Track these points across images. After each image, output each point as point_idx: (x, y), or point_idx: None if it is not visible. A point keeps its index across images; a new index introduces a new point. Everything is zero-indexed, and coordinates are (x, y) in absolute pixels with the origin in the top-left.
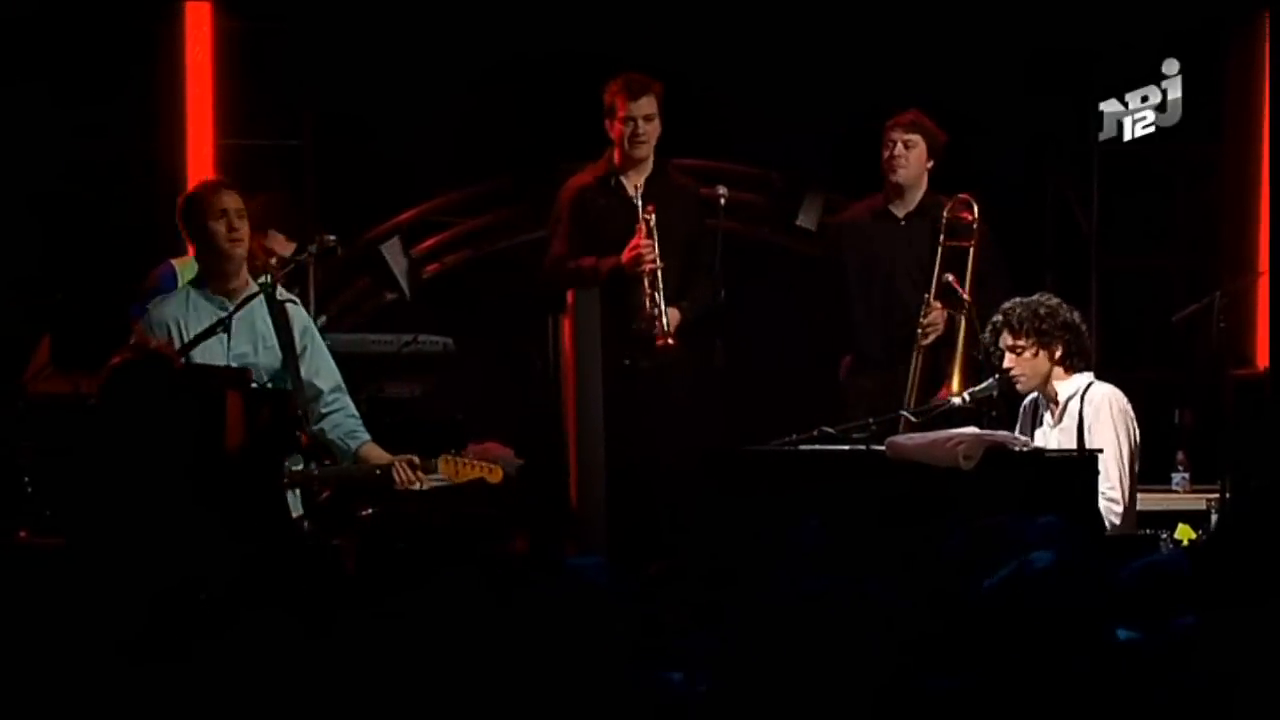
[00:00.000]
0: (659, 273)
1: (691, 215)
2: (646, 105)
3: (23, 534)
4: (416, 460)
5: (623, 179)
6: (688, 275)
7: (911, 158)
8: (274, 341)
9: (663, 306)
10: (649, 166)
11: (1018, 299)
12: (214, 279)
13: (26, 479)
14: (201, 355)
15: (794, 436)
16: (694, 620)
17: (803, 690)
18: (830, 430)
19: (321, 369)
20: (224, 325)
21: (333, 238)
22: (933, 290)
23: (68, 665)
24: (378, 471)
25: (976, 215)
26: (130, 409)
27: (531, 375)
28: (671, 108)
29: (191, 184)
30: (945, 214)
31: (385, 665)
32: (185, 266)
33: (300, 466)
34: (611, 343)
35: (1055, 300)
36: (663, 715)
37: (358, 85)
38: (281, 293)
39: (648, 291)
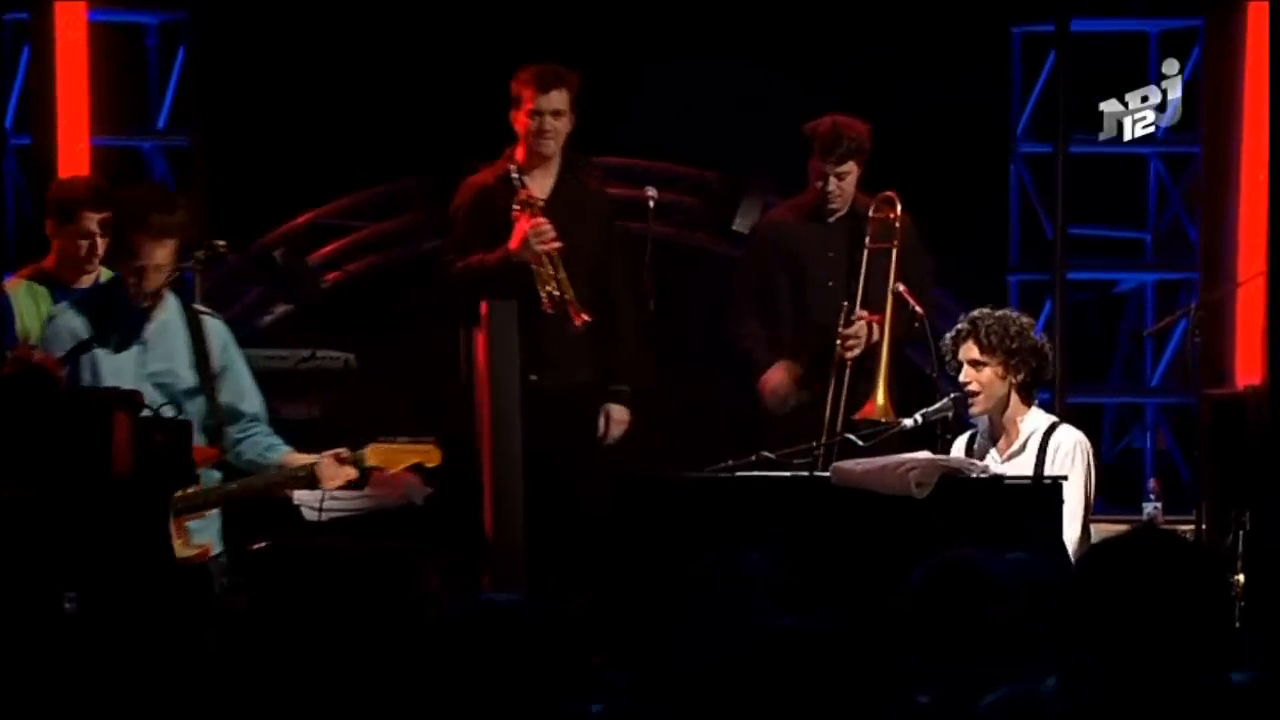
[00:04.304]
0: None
1: (602, 227)
2: (557, 99)
3: None
4: (345, 453)
5: (526, 178)
6: (605, 311)
7: (846, 186)
8: (191, 359)
9: (568, 288)
10: (555, 166)
11: (987, 309)
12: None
13: None
14: (112, 375)
15: (730, 462)
16: (619, 654)
17: None
18: (770, 455)
19: (245, 392)
20: (90, 343)
21: (222, 244)
22: (857, 299)
23: None
24: (300, 474)
25: (899, 214)
26: (9, 428)
27: (442, 395)
28: (604, 103)
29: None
30: (870, 213)
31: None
32: (19, 289)
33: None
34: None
35: (1027, 320)
36: None
37: (250, 82)
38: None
39: (551, 274)
